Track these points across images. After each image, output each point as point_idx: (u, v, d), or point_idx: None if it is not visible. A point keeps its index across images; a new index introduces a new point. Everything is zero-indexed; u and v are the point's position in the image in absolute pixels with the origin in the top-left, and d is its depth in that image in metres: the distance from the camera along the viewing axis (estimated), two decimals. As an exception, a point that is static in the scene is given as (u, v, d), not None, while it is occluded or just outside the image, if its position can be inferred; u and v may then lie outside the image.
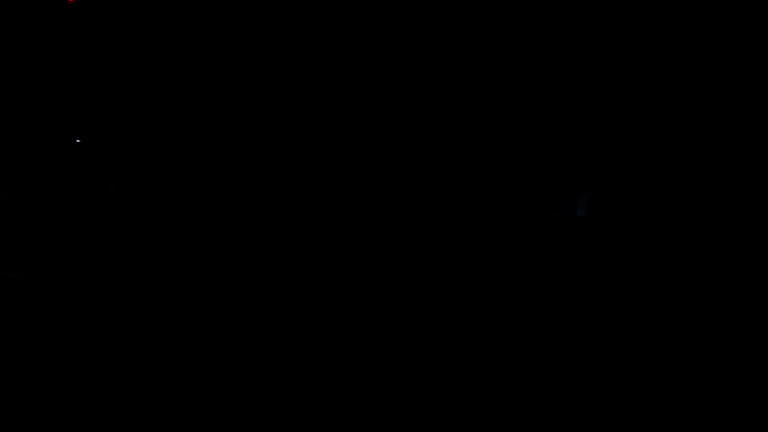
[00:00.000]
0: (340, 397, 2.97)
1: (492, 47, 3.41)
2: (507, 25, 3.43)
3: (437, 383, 3.29)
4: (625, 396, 2.83)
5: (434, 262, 3.25)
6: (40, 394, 2.87)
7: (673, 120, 3.21)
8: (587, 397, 2.84)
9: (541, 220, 3.13)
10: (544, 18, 3.38)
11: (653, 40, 3.33)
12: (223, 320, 3.20)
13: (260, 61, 3.78)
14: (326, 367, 3.05)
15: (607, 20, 3.36)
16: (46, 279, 3.17)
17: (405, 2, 3.63)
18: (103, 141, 3.56)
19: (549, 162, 3.19)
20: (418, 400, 3.03)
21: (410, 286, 3.31)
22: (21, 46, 3.60)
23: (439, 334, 3.32)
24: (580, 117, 3.26)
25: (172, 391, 2.98)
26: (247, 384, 3.02)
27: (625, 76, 3.30)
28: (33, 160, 3.44)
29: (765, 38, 3.19)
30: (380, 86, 3.55)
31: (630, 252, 3.04)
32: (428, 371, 3.12)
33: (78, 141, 3.54)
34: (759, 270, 2.97)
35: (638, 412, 2.78)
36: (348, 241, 3.31)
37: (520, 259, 3.13)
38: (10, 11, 3.58)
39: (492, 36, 3.43)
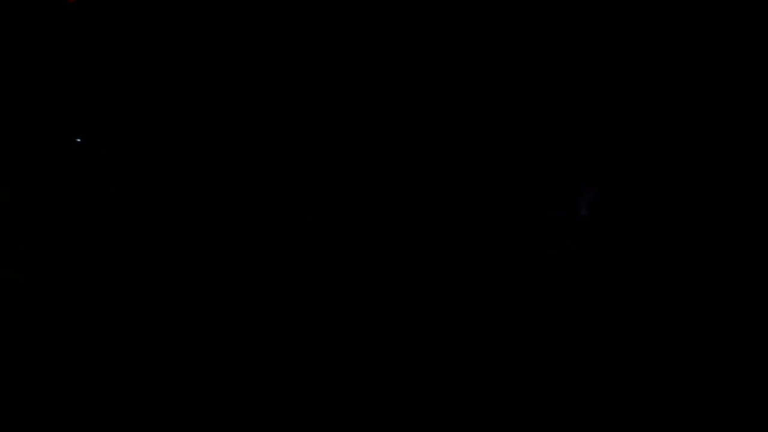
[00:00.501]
0: (339, 396, 2.96)
1: (498, 49, 3.41)
2: (512, 25, 3.44)
3: (438, 380, 3.28)
4: (623, 394, 2.83)
5: (437, 260, 3.25)
6: (41, 393, 2.87)
7: (675, 122, 3.21)
8: (586, 395, 2.84)
9: (544, 220, 3.13)
10: (549, 19, 3.38)
11: (655, 43, 3.34)
12: (222, 319, 3.20)
13: (260, 62, 3.78)
14: (325, 366, 3.05)
15: (611, 22, 3.37)
16: (46, 279, 3.17)
17: (408, 3, 3.63)
18: (103, 140, 3.56)
19: (553, 163, 3.19)
20: (418, 397, 3.02)
21: (413, 283, 3.31)
22: (21, 46, 3.60)
23: (440, 331, 3.31)
24: (584, 119, 3.26)
25: (170, 390, 2.97)
26: (245, 383, 3.02)
27: (628, 79, 3.30)
28: (33, 159, 3.44)
29: (764, 38, 3.20)
30: (384, 87, 3.55)
31: (631, 252, 3.04)
32: (429, 368, 3.11)
33: (78, 140, 3.54)
34: (759, 269, 2.96)
35: (637, 410, 2.78)
36: (351, 239, 3.31)
37: (521, 258, 3.13)
38: (10, 11, 3.58)
39: (498, 37, 3.43)
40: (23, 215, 3.28)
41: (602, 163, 3.21)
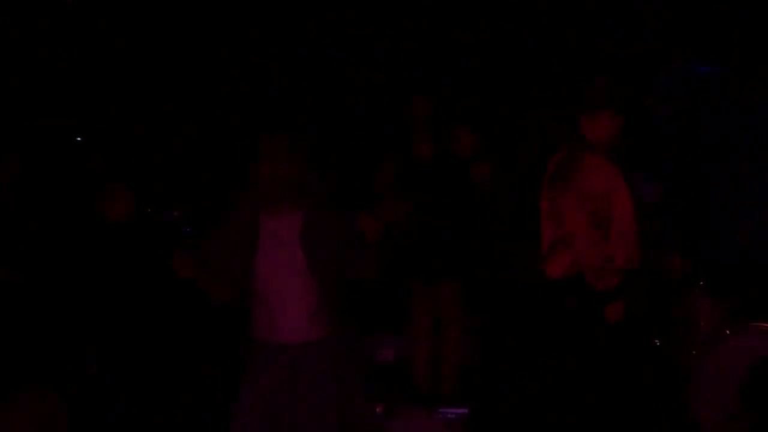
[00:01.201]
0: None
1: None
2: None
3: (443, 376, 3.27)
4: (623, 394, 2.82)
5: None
6: (40, 393, 2.86)
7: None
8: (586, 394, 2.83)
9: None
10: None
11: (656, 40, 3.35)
12: (221, 322, 3.19)
13: (261, 63, 3.79)
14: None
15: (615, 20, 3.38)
16: (46, 279, 3.14)
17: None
18: (103, 140, 3.56)
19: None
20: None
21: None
22: (21, 45, 3.59)
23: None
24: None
25: (169, 391, 2.97)
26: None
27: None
28: (34, 159, 3.42)
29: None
30: (401, 82, 3.54)
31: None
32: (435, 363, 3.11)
33: (78, 139, 3.53)
34: None
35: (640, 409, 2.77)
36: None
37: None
38: (10, 11, 3.57)
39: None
40: (23, 215, 3.27)
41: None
